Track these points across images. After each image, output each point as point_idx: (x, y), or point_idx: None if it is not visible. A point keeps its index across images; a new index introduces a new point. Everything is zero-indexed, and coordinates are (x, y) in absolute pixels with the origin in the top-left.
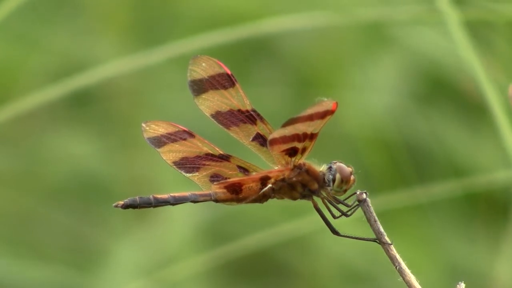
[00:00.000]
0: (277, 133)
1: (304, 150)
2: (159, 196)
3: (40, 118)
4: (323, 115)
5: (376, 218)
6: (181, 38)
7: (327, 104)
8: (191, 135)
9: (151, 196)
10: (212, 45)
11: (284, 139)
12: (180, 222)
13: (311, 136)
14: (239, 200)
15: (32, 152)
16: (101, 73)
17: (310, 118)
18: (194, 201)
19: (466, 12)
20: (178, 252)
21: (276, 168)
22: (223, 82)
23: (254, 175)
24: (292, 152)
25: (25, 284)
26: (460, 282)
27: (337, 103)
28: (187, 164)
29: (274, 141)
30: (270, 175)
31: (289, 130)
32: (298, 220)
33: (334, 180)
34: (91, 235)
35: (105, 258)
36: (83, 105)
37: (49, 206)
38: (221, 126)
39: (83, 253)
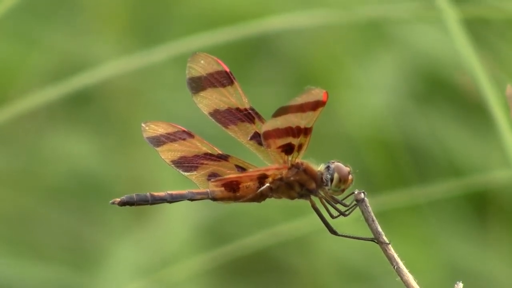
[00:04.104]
0: (269, 125)
1: (300, 147)
2: (156, 193)
3: (39, 117)
4: (315, 106)
5: (374, 217)
6: (180, 37)
7: (317, 93)
8: (190, 135)
9: (148, 193)
10: (211, 44)
11: (278, 133)
12: (179, 222)
13: (306, 131)
14: (236, 199)
15: (31, 152)
16: (100, 73)
17: (301, 108)
18: (191, 199)
19: (464, 10)
20: (177, 252)
21: (274, 165)
22: (222, 80)
23: (251, 171)
24: (289, 149)
25: (24, 284)
26: (458, 282)
27: (327, 92)
28: (185, 163)
29: (268, 135)
30: (268, 173)
31: (281, 122)
32: (297, 220)
33: (332, 180)
34: (90, 234)
35: (104, 258)
36: (82, 105)
37: (48, 205)
38: (219, 125)
39: (82, 253)
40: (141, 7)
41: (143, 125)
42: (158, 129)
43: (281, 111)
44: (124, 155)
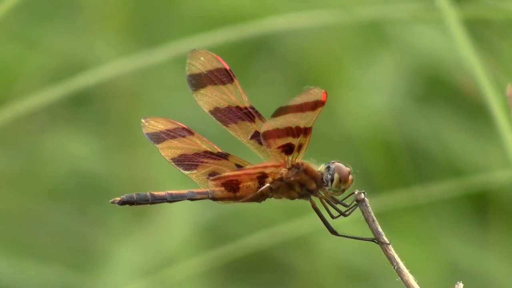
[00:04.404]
0: (269, 124)
1: (300, 147)
2: (156, 193)
3: (39, 118)
4: (314, 106)
5: (374, 218)
6: (180, 38)
7: (315, 93)
8: (190, 132)
9: (148, 193)
10: (211, 45)
11: (277, 133)
12: (179, 222)
13: (305, 131)
14: (236, 199)
15: (31, 152)
16: (100, 74)
17: (301, 108)
18: (191, 199)
19: (465, 10)
20: (178, 252)
21: (271, 162)
22: (222, 77)
23: (249, 168)
24: (288, 150)
25: (24, 284)
26: (458, 282)
27: (326, 92)
28: (186, 161)
29: (267, 135)
30: (266, 170)
31: (281, 122)
32: (297, 220)
33: (332, 180)
34: (90, 235)
35: (104, 258)
36: (82, 105)
37: (48, 205)
38: (219, 123)
39: (82, 253)
40: (141, 7)
41: (142, 120)
42: (158, 125)
43: (280, 111)
44: (124, 155)
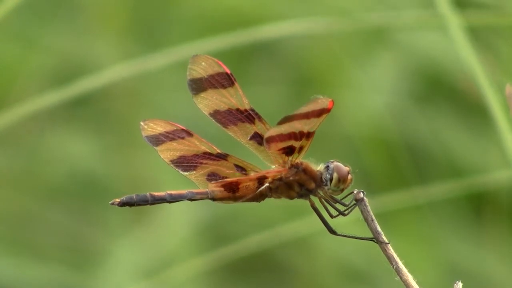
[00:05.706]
0: (273, 131)
1: (301, 149)
2: (155, 193)
3: (39, 118)
4: (319, 113)
5: (373, 217)
6: (180, 39)
7: (323, 102)
8: (189, 134)
9: (147, 193)
10: (212, 49)
11: (281, 137)
12: (179, 222)
13: (308, 135)
14: (236, 199)
15: (31, 152)
16: (101, 78)
17: (306, 116)
18: (191, 199)
19: (464, 13)
20: (178, 252)
21: (273, 167)
22: (222, 81)
23: (252, 175)
24: (289, 151)
25: (24, 284)
26: (457, 281)
27: (333, 101)
28: (185, 163)
29: (270, 139)
30: (268, 175)
31: (285, 128)
32: (297, 220)
33: (331, 180)
34: (90, 235)
35: (104, 258)
36: (82, 105)
37: (48, 206)
38: (219, 125)
39: (82, 253)
40: (141, 7)
41: (142, 123)
42: (157, 127)
43: (286, 120)
44: (124, 155)
